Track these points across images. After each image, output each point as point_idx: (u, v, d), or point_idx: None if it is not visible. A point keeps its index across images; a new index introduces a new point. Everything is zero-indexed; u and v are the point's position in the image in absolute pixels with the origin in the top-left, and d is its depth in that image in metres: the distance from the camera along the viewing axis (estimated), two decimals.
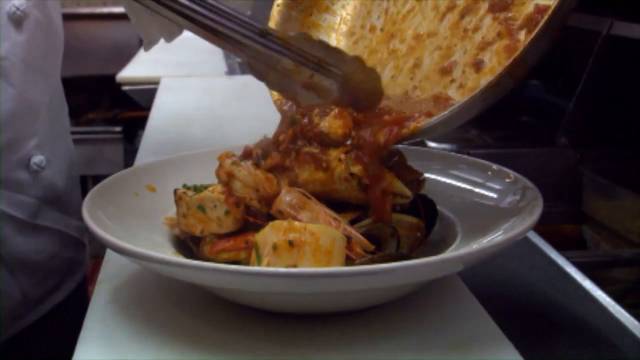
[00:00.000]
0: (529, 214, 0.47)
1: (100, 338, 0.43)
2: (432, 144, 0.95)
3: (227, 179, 0.49)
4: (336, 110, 0.48)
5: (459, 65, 0.49)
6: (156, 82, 1.28)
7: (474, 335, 0.43)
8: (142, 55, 1.67)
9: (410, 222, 0.49)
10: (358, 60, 0.48)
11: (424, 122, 0.46)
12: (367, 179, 0.47)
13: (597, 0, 0.91)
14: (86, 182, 2.35)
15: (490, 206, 0.52)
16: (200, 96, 1.16)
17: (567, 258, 0.61)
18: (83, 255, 0.78)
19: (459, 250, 0.46)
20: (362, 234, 0.46)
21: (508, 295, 0.55)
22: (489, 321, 0.45)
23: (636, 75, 0.90)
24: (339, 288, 0.40)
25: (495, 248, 0.43)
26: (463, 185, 0.56)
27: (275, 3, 0.63)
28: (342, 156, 0.47)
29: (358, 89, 0.48)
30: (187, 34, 0.56)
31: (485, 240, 0.46)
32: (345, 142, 0.47)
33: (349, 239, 0.44)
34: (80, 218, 0.75)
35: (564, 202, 0.89)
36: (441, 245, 0.50)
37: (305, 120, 0.48)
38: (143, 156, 0.81)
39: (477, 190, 0.55)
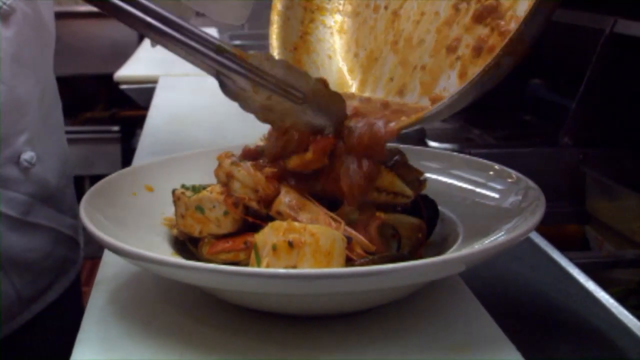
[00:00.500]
0: (531, 214, 0.46)
1: (98, 339, 0.42)
2: (433, 144, 0.95)
3: (226, 179, 0.48)
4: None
5: (463, 43, 0.48)
6: (154, 81, 1.27)
7: (476, 336, 0.43)
8: (140, 54, 1.67)
9: (411, 222, 0.49)
10: (321, 82, 0.46)
11: (428, 111, 0.45)
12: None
13: None
14: (83, 182, 2.35)
15: (492, 206, 0.52)
16: (199, 95, 1.16)
17: (570, 259, 0.60)
18: (77, 254, 0.78)
19: (461, 250, 0.46)
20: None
21: (510, 296, 0.55)
22: (490, 322, 0.44)
23: None
24: (339, 289, 0.40)
25: (497, 249, 0.42)
26: (464, 186, 0.56)
27: None
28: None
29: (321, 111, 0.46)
30: None
31: (487, 241, 0.46)
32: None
33: (349, 239, 0.44)
34: (74, 216, 0.76)
35: (566, 203, 0.89)
36: (442, 245, 0.50)
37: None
38: (141, 156, 0.81)
39: (478, 190, 0.55)
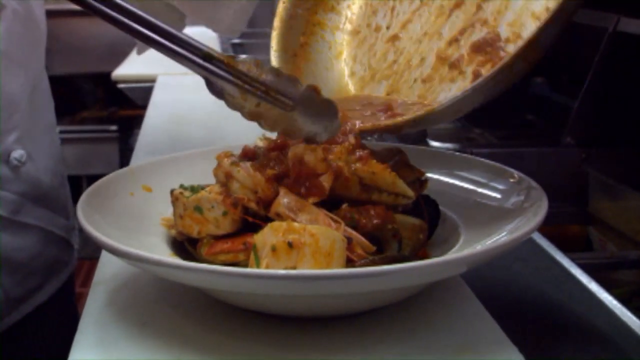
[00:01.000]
0: (533, 214, 0.46)
1: (96, 341, 0.42)
2: (435, 143, 0.95)
3: (225, 179, 0.48)
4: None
5: (465, 59, 0.48)
6: (152, 80, 1.27)
7: (477, 338, 0.43)
8: None
9: (412, 223, 0.49)
10: (312, 89, 0.45)
11: (439, 105, 0.45)
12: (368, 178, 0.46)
13: None
14: (81, 182, 2.35)
15: (494, 206, 0.52)
16: (197, 94, 1.14)
17: (573, 260, 0.60)
18: (69, 255, 0.77)
19: (462, 251, 0.46)
20: (362, 235, 0.45)
21: (512, 297, 0.55)
22: (492, 324, 0.44)
23: None
24: (339, 290, 0.40)
25: (499, 249, 0.42)
26: (466, 186, 0.56)
27: (281, 0, 0.62)
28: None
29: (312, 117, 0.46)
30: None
31: (489, 242, 0.45)
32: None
33: (349, 240, 0.44)
34: (67, 216, 0.75)
35: (569, 203, 0.88)
36: (444, 246, 0.49)
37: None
38: (139, 155, 0.81)
39: (480, 190, 0.54)
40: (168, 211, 0.50)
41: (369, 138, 0.55)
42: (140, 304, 0.46)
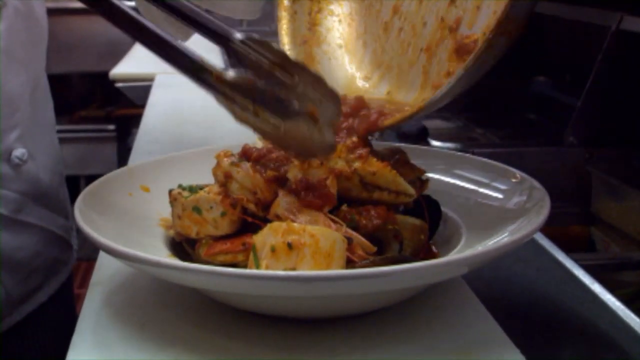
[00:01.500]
0: (535, 215, 0.46)
1: (93, 342, 0.42)
2: (435, 143, 0.94)
3: (224, 179, 0.48)
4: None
5: (464, 22, 0.48)
6: (151, 79, 1.26)
7: (479, 339, 0.42)
8: (136, 51, 1.65)
9: (413, 224, 0.48)
10: (317, 76, 0.45)
11: (431, 96, 0.45)
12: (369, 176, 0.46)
13: None
14: (78, 182, 2.35)
15: (495, 207, 0.52)
16: (196, 93, 1.14)
17: (575, 260, 0.60)
18: (68, 256, 0.77)
19: (464, 252, 0.46)
20: (363, 235, 0.45)
21: (514, 298, 0.55)
22: (494, 325, 0.44)
23: None
24: (339, 291, 0.39)
25: (500, 250, 0.42)
26: (468, 186, 0.55)
27: None
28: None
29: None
30: None
31: (491, 242, 0.45)
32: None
33: (350, 240, 0.43)
34: (66, 216, 0.75)
35: (572, 203, 0.88)
36: (445, 247, 0.49)
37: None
38: (137, 155, 0.80)
39: (482, 190, 0.54)
40: (166, 211, 0.50)
41: (369, 137, 0.54)
42: (138, 305, 0.46)
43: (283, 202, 0.45)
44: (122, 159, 2.39)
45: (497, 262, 0.45)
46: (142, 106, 1.08)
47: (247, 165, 0.47)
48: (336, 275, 0.38)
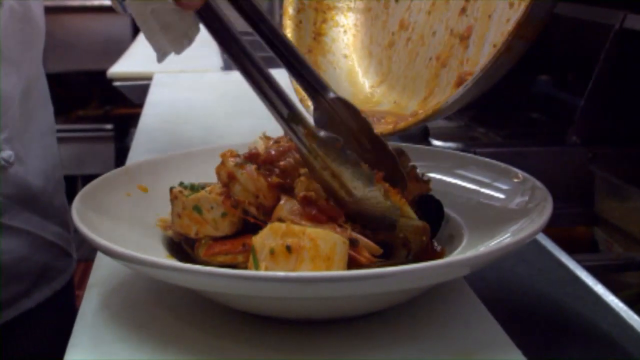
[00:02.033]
0: (538, 215, 0.46)
1: (91, 344, 0.42)
2: (437, 143, 0.94)
3: (227, 180, 0.47)
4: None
5: (475, 30, 0.48)
6: (149, 78, 1.25)
7: (481, 341, 0.42)
8: (134, 50, 1.65)
9: (415, 225, 0.48)
10: (392, 154, 0.47)
11: (447, 97, 0.45)
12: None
13: None
14: (76, 182, 2.35)
15: (497, 207, 0.51)
16: (195, 92, 1.15)
17: (578, 261, 0.59)
18: (64, 263, 0.76)
19: (465, 253, 0.46)
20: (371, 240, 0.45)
21: (516, 300, 0.54)
22: (496, 327, 0.43)
23: None
24: (339, 293, 0.39)
25: (503, 251, 0.42)
26: (469, 186, 0.55)
27: None
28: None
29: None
30: None
31: (493, 243, 0.45)
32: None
33: (356, 242, 0.43)
34: (61, 223, 0.74)
35: (575, 203, 0.87)
36: (447, 247, 0.49)
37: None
38: (135, 155, 0.80)
39: (484, 190, 0.54)
40: (165, 212, 0.50)
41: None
42: (136, 306, 0.46)
43: (286, 206, 0.45)
44: (120, 158, 2.39)
45: (499, 263, 0.44)
46: (140, 105, 1.07)
47: (251, 167, 0.47)
48: (336, 276, 0.38)
